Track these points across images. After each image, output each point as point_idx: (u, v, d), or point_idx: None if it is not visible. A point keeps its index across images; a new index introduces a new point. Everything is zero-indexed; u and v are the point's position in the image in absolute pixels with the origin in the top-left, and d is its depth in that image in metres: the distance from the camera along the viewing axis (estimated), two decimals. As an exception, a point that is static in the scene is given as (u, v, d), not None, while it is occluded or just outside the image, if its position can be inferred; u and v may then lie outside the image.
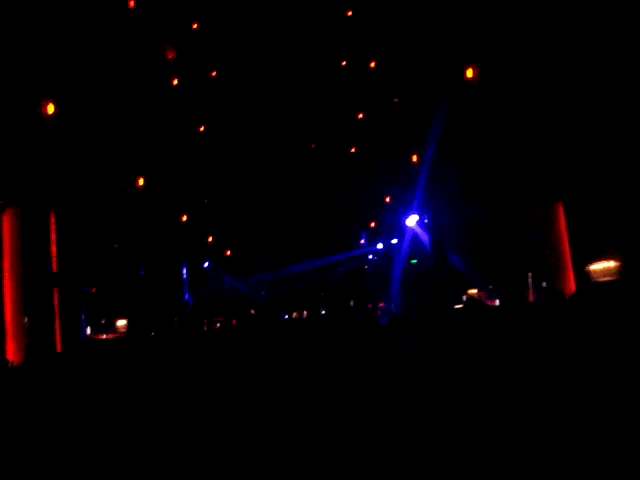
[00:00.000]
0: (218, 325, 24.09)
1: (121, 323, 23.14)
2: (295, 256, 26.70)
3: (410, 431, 3.76)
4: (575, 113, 15.31)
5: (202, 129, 23.69)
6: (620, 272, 15.04)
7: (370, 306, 25.33)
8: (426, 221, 22.75)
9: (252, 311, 25.24)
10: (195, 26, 21.87)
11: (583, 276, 16.09)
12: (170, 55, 20.29)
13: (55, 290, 16.57)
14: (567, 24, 15.23)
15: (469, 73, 16.99)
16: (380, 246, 26.18)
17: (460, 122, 18.86)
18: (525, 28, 15.96)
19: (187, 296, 24.49)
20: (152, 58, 19.55)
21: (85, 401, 3.94)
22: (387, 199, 25.68)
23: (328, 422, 3.78)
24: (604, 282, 14.96)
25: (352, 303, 25.77)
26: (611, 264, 15.51)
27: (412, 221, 23.25)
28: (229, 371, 4.41)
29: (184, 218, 24.47)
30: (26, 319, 15.97)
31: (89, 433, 3.64)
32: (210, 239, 26.00)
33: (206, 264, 25.64)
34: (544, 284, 17.14)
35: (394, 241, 25.95)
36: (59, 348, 15.91)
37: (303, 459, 3.54)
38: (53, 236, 16.35)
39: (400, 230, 24.85)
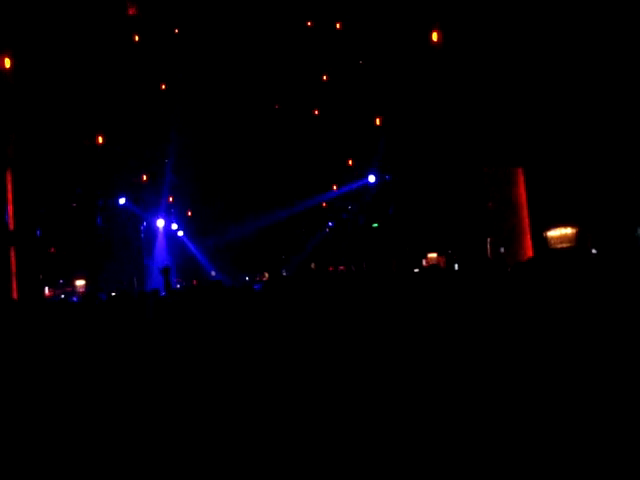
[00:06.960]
0: (178, 286, 24.04)
1: (79, 283, 22.96)
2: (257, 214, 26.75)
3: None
4: (537, 77, 15.37)
5: (163, 87, 23.32)
6: (577, 239, 15.29)
7: (331, 269, 25.48)
8: (387, 183, 22.80)
9: (213, 273, 25.25)
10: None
11: (540, 242, 16.31)
12: (131, 10, 19.87)
13: (12, 249, 16.33)
14: None
15: (434, 37, 16.94)
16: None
17: (422, 86, 18.84)
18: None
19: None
20: (113, 13, 19.12)
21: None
22: (349, 162, 25.66)
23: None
24: (561, 249, 15.22)
25: (313, 266, 25.90)
26: (568, 231, 15.75)
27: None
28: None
29: (144, 177, 24.24)
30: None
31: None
32: (170, 199, 25.83)
33: (162, 223, 25.40)
34: (502, 249, 17.37)
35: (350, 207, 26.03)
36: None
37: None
38: (10, 195, 16.06)
39: (360, 193, 24.92)
